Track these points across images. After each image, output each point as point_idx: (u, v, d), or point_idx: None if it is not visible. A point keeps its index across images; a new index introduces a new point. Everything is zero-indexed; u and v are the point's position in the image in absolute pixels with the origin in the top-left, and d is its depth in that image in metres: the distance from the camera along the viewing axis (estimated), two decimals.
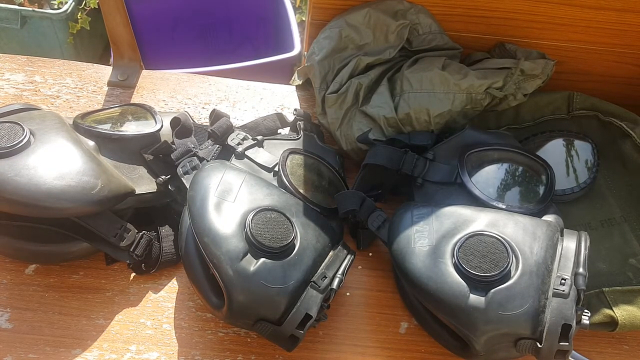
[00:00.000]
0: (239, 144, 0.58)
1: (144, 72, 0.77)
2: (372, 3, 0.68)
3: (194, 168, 0.56)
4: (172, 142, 0.60)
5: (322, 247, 0.51)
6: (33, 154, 0.51)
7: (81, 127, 0.58)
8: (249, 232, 0.47)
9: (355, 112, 0.66)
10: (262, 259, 0.47)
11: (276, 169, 0.56)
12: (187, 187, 0.53)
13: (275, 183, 0.55)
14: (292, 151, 0.59)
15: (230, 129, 0.60)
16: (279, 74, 1.21)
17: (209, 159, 0.58)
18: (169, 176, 0.57)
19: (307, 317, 0.47)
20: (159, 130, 0.61)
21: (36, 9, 1.39)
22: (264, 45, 1.56)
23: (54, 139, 0.53)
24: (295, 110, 0.67)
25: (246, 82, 0.79)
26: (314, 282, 0.48)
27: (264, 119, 0.66)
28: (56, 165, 0.51)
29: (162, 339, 0.53)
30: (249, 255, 0.47)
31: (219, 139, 0.59)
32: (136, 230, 0.55)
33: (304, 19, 1.53)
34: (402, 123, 0.64)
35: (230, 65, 1.18)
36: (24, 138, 0.51)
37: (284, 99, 0.77)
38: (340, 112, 0.66)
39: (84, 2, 1.47)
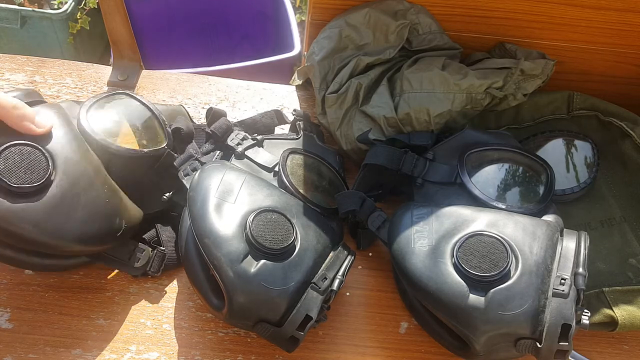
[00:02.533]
0: (238, 144, 0.58)
1: (144, 72, 0.77)
2: (372, 3, 0.68)
3: (194, 169, 0.56)
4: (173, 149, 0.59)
5: (322, 248, 0.51)
6: (59, 195, 0.47)
7: (91, 137, 0.53)
8: (249, 234, 0.47)
9: (355, 112, 0.66)
10: (263, 261, 0.47)
11: (276, 169, 0.56)
12: (187, 186, 0.52)
13: (276, 183, 0.55)
14: (292, 151, 0.59)
15: (229, 129, 0.59)
16: (279, 74, 1.21)
17: None
18: (172, 192, 0.57)
19: (308, 318, 0.47)
20: (169, 143, 0.58)
21: (36, 9, 1.39)
22: (263, 45, 1.56)
23: (75, 169, 0.49)
24: (294, 110, 0.67)
25: (246, 82, 0.79)
26: (314, 283, 0.48)
27: (262, 115, 0.65)
28: (83, 207, 0.48)
29: (162, 339, 0.53)
30: (249, 256, 0.46)
31: (219, 140, 0.59)
32: (150, 248, 0.55)
33: (304, 19, 1.53)
34: (402, 123, 0.64)
35: (230, 65, 1.18)
36: (46, 174, 0.46)
37: (284, 99, 0.77)
38: (340, 112, 0.66)
39: (83, 2, 1.47)
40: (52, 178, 0.47)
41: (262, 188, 0.52)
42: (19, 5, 1.41)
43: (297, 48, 1.31)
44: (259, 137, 0.59)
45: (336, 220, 0.57)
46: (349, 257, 0.53)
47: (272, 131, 0.66)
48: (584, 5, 0.67)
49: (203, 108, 0.74)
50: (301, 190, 0.55)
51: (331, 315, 0.56)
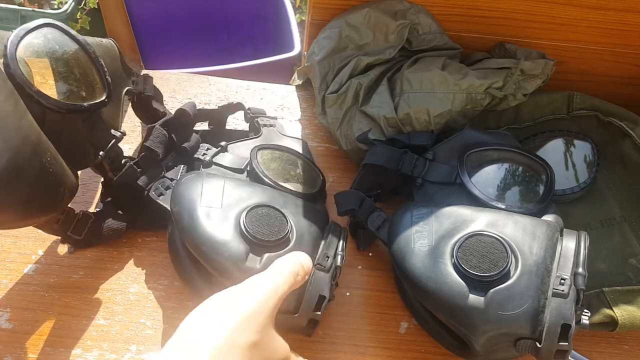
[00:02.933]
0: (204, 154, 0.58)
1: (144, 72, 0.77)
2: (372, 3, 0.68)
3: (167, 188, 0.54)
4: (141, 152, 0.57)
5: (316, 230, 0.52)
6: None
7: (26, 90, 0.44)
8: (245, 232, 0.47)
9: (355, 112, 0.66)
10: (266, 254, 0.47)
11: (248, 168, 0.57)
12: (166, 207, 0.52)
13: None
14: (260, 147, 0.59)
15: (198, 143, 0.60)
16: (279, 74, 1.21)
17: (177, 178, 0.57)
18: (107, 150, 0.54)
19: (322, 298, 0.48)
20: (108, 95, 0.52)
21: (36, 9, 1.39)
22: (263, 45, 1.56)
23: (15, 137, 0.41)
24: (249, 109, 0.67)
25: (246, 82, 0.79)
26: (318, 264, 0.49)
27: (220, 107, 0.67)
28: (25, 182, 0.43)
29: (162, 339, 0.53)
30: (251, 254, 0.47)
31: (189, 154, 0.59)
32: (79, 212, 0.54)
33: (304, 19, 1.53)
34: (402, 123, 0.64)
35: (230, 65, 1.18)
36: None
37: (283, 99, 0.77)
38: (340, 112, 0.66)
39: (83, 2, 1.48)
40: None
41: (244, 187, 0.52)
42: (19, 5, 1.41)
43: (297, 48, 1.31)
44: (222, 144, 0.59)
45: (319, 203, 0.58)
46: (342, 232, 0.54)
47: (225, 120, 0.68)
48: (583, 5, 0.67)
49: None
50: (279, 182, 0.56)
51: (331, 315, 0.56)
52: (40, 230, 0.59)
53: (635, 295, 0.55)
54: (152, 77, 0.64)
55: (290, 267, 0.44)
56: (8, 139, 0.41)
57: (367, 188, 0.61)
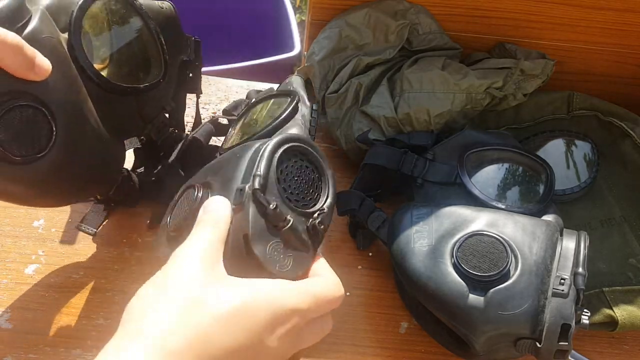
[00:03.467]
0: None
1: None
2: (372, 3, 0.68)
3: None
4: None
5: (238, 170, 0.40)
6: (60, 160, 0.41)
7: (87, 73, 0.43)
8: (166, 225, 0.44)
9: (355, 112, 0.66)
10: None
11: None
12: None
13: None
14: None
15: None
16: (279, 74, 1.21)
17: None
18: (153, 122, 0.53)
19: (246, 237, 0.37)
20: (164, 74, 0.52)
21: None
22: (263, 45, 1.56)
23: (78, 124, 0.42)
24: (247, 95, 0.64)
25: (246, 82, 0.79)
26: (234, 204, 0.38)
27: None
28: (84, 166, 0.44)
29: None
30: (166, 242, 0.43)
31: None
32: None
33: (304, 19, 1.54)
34: (402, 123, 0.64)
35: (230, 65, 1.19)
36: (51, 142, 0.40)
37: None
38: (340, 112, 0.66)
39: None
40: (53, 145, 0.40)
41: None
42: None
43: (297, 48, 1.31)
44: (217, 155, 0.59)
45: (291, 129, 0.48)
46: (266, 152, 0.40)
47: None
48: (583, 5, 0.67)
49: (203, 108, 0.74)
50: (226, 145, 0.53)
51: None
52: (40, 230, 0.59)
53: (635, 295, 0.55)
54: (200, 42, 0.58)
55: (208, 218, 0.38)
56: (68, 129, 0.41)
57: (367, 188, 0.61)
